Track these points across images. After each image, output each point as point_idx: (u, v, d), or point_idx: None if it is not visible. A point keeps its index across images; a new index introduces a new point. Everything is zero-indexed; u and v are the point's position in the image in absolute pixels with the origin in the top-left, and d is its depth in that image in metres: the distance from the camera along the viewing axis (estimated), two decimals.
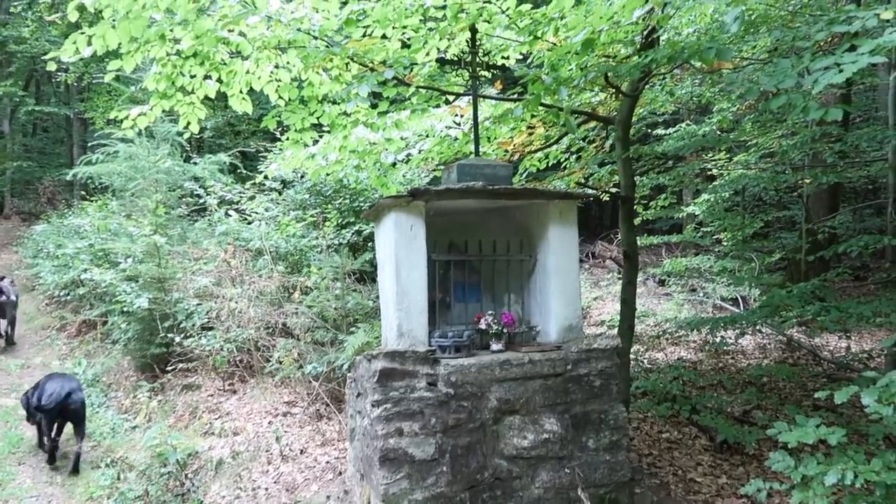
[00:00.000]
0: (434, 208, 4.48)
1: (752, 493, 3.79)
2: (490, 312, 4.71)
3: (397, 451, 4.04)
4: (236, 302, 7.85)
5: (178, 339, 7.91)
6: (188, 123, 5.60)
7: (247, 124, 16.50)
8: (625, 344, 5.80)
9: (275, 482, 5.52)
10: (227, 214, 9.74)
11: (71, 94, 22.48)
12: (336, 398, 6.89)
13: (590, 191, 7.58)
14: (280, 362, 7.22)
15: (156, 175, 10.25)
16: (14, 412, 7.67)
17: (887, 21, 3.39)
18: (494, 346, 4.59)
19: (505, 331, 4.63)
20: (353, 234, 9.04)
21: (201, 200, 10.34)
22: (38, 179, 23.34)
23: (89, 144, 13.71)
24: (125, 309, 8.26)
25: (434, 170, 8.17)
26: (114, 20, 4.31)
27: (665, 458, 5.73)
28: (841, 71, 3.14)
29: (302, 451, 6.09)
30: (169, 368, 8.05)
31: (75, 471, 6.29)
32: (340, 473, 5.47)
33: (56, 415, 6.51)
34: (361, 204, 9.31)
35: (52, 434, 6.56)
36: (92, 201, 12.15)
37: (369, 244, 8.50)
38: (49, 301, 12.89)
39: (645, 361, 8.85)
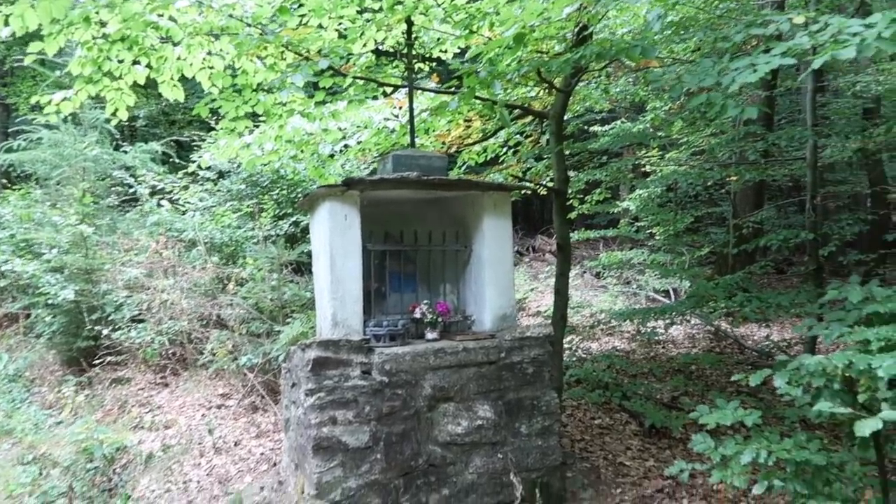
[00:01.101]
0: (369, 198, 4.50)
1: (676, 474, 3.96)
2: (425, 302, 4.76)
3: (331, 440, 4.05)
4: (168, 293, 7.65)
5: (106, 332, 7.65)
6: (116, 110, 5.42)
7: (182, 113, 16.00)
8: (557, 333, 5.96)
9: (207, 475, 5.44)
10: (159, 204, 9.47)
11: None
12: (272, 390, 6.82)
13: (525, 184, 7.73)
14: (214, 354, 7.09)
15: (83, 163, 9.83)
16: None
17: (799, 25, 3.60)
18: (429, 335, 4.65)
19: (440, 320, 4.69)
20: (290, 224, 8.94)
21: (132, 190, 10.01)
22: None
23: (9, 130, 13.05)
24: (49, 301, 7.93)
25: (372, 161, 8.15)
26: None
27: (596, 443, 5.92)
28: (755, 71, 3.33)
29: (236, 443, 6.01)
30: (97, 362, 7.78)
31: None
32: (275, 464, 5.44)
33: None
34: (299, 195, 9.21)
35: None
36: (14, 190, 11.59)
37: (307, 235, 8.41)
38: None
39: (580, 351, 9.09)
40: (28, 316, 9.24)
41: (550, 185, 6.82)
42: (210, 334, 7.39)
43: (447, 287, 5.18)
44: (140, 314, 7.76)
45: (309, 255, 6.54)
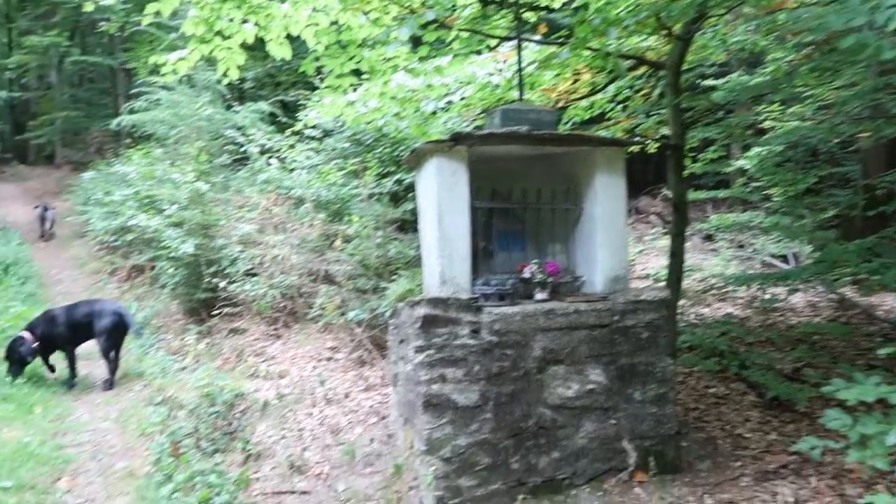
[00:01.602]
0: (476, 154, 4.37)
1: (806, 451, 3.68)
2: (534, 261, 4.62)
3: (440, 397, 4.05)
4: (279, 249, 7.93)
5: (222, 285, 8.06)
6: (227, 69, 5.55)
7: (287, 75, 16.39)
8: (672, 297, 5.67)
9: (319, 424, 5.64)
10: (268, 163, 9.77)
11: (114, 45, 22.67)
12: (378, 345, 6.95)
13: (639, 139, 7.35)
14: (323, 308, 7.31)
15: (197, 123, 10.31)
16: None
17: None
18: (539, 296, 4.52)
19: (549, 280, 4.55)
20: (393, 182, 8.97)
21: (242, 149, 10.38)
22: (85, 129, 23.89)
23: (130, 92, 13.87)
24: (172, 254, 8.44)
25: (475, 118, 8.00)
26: None
27: (712, 413, 5.63)
28: None
29: (346, 395, 6.19)
30: (215, 312, 8.23)
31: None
32: (384, 418, 5.55)
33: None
34: (402, 153, 9.22)
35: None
36: (137, 149, 12.35)
37: (410, 194, 8.44)
38: (100, 247, 13.29)
39: (692, 316, 8.69)
40: (153, 268, 9.90)
41: (665, 140, 6.43)
42: (319, 289, 7.61)
43: (556, 246, 5.01)
44: (253, 268, 8.10)
45: (412, 213, 6.54)
